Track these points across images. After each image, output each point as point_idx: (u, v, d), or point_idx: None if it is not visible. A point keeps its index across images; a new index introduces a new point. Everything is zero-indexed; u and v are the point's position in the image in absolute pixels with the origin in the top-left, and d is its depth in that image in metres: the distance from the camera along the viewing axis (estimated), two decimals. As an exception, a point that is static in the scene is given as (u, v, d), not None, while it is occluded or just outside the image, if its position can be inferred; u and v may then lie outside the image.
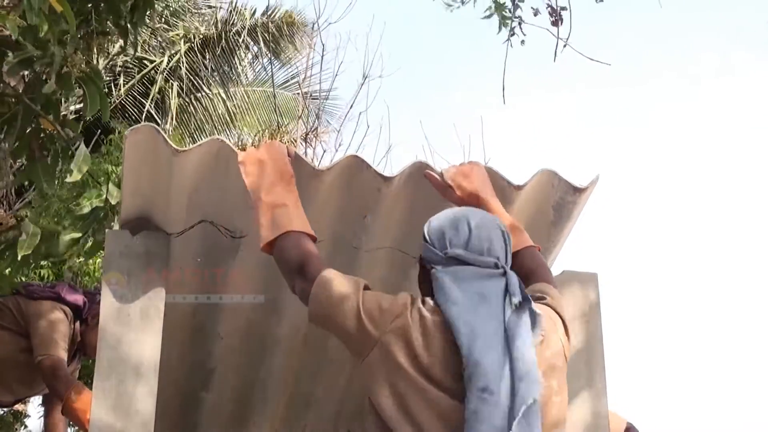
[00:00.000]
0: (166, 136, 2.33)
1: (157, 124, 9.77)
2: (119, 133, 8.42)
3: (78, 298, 3.84)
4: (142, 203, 2.50)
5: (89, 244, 3.27)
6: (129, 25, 3.44)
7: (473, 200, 2.33)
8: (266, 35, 10.78)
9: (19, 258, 3.14)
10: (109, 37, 3.47)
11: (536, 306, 2.00)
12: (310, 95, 9.94)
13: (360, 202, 2.41)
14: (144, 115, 9.74)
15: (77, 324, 3.86)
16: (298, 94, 11.10)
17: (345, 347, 2.03)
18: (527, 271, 2.21)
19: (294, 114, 11.33)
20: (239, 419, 3.15)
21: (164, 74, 10.07)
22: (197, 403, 3.09)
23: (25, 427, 8.81)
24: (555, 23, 4.19)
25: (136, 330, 2.44)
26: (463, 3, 4.38)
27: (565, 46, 4.18)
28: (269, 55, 10.95)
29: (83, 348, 3.93)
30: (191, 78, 10.41)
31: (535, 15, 4.29)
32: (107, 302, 2.45)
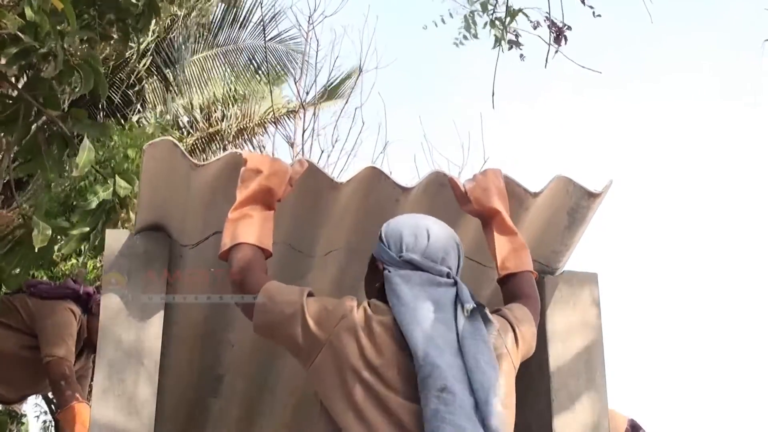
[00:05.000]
0: (183, 150, 2.34)
1: (132, 107, 9.71)
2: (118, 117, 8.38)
3: (87, 289, 3.84)
4: (157, 215, 2.50)
5: (98, 240, 3.25)
6: (132, 31, 3.46)
7: (489, 215, 2.36)
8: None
9: (36, 250, 3.13)
10: (110, 42, 3.50)
11: (489, 314, 2.03)
12: (306, 93, 9.93)
13: (378, 212, 2.42)
14: (118, 98, 9.68)
15: (85, 318, 3.86)
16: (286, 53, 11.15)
17: (293, 356, 2.04)
18: (518, 294, 2.25)
19: (279, 77, 11.32)
20: (246, 424, 3.15)
21: (140, 58, 9.93)
22: (205, 408, 3.09)
23: (22, 423, 8.80)
24: (557, 40, 4.21)
25: (136, 330, 2.44)
26: (465, 39, 4.42)
27: (556, 52, 4.21)
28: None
29: (90, 341, 3.93)
30: (167, 60, 10.38)
31: (535, 28, 4.31)
32: (107, 302, 2.46)
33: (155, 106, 10.14)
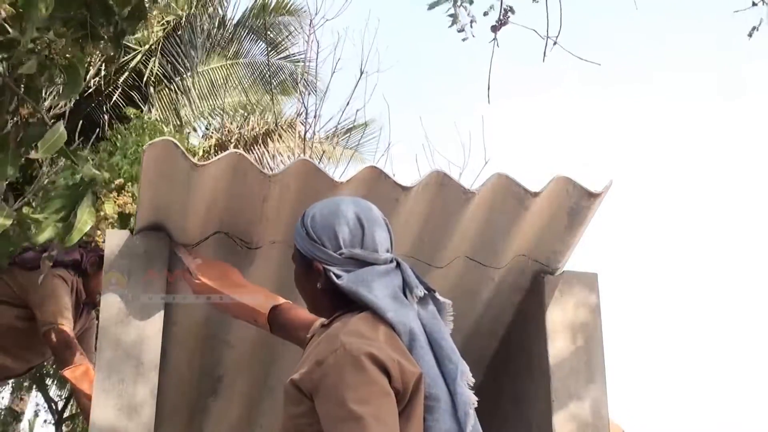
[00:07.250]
0: (184, 150, 2.34)
1: (140, 110, 9.74)
2: (122, 119, 8.34)
3: (74, 254, 3.82)
4: (157, 215, 2.50)
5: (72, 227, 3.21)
6: (120, 34, 3.46)
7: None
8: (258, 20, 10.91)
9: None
10: (101, 43, 3.47)
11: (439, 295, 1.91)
12: (308, 91, 9.95)
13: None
14: (124, 99, 9.68)
15: (79, 281, 3.86)
16: (289, 62, 11.20)
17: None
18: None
19: (287, 89, 11.39)
20: (246, 425, 3.15)
21: (143, 60, 9.90)
22: (205, 408, 3.09)
23: (19, 422, 8.81)
24: (496, 28, 4.24)
25: (136, 330, 2.44)
26: None
27: (555, 44, 4.20)
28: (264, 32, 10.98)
29: (90, 300, 3.93)
30: (171, 61, 10.37)
31: (485, 15, 4.37)
32: (107, 302, 2.46)
33: (166, 118, 10.17)
